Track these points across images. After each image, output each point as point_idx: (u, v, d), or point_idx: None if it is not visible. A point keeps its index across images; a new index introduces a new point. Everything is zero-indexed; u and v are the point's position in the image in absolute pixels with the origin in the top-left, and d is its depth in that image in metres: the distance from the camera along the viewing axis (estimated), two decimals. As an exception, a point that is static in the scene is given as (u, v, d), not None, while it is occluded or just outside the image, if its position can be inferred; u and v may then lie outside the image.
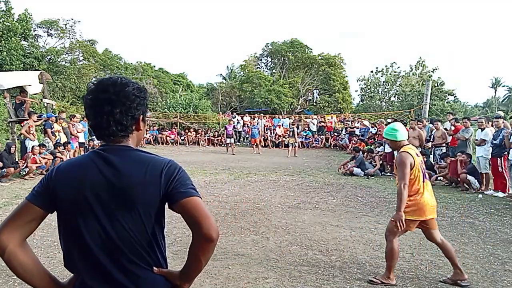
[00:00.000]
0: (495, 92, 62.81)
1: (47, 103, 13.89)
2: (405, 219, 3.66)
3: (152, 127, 22.56)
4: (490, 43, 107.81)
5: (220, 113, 27.96)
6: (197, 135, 23.05)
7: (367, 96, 35.67)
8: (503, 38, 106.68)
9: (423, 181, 3.80)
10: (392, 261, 3.82)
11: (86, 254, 1.36)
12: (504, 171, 8.72)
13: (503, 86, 61.13)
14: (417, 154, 3.86)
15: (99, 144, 1.48)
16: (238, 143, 22.56)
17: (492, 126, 9.40)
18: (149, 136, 21.48)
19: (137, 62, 36.24)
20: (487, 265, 4.38)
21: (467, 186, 9.05)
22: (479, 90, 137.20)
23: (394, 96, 35.01)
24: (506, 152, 8.55)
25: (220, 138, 22.92)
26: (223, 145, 21.91)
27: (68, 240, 1.41)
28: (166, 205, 1.42)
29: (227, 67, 41.83)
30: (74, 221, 1.36)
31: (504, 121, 9.36)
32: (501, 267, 4.31)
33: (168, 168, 1.39)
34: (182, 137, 22.65)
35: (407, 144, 3.92)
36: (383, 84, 34.89)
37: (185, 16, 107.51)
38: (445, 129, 11.26)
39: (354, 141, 17.61)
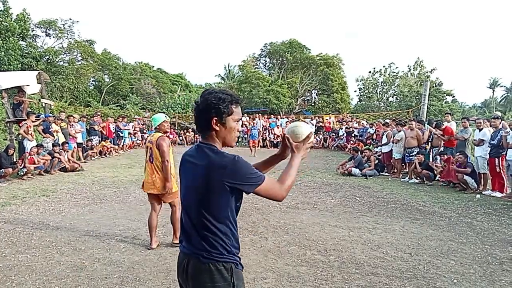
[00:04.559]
0: (493, 92, 63.04)
1: (45, 103, 13.88)
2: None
3: (150, 128, 22.53)
4: (488, 44, 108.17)
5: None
6: (196, 135, 23.03)
7: (365, 96, 35.70)
8: (501, 38, 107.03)
9: (146, 162, 4.81)
10: (151, 230, 4.78)
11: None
12: (501, 171, 8.75)
13: (501, 86, 61.42)
14: (150, 141, 4.80)
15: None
16: (236, 143, 22.50)
17: (490, 126, 9.43)
18: (148, 136, 21.46)
19: (135, 62, 36.32)
20: (485, 265, 4.38)
21: (465, 186, 9.06)
22: (477, 90, 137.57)
23: (392, 97, 35.06)
24: (504, 152, 8.57)
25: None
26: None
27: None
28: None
29: (225, 67, 41.81)
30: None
31: (503, 121, 9.39)
32: (499, 267, 4.32)
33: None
34: (181, 137, 22.64)
35: (158, 132, 4.84)
36: (381, 85, 34.92)
37: (184, 17, 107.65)
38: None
39: (353, 141, 17.62)
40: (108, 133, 16.19)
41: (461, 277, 4.01)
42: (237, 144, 22.35)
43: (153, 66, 38.13)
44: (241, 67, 37.30)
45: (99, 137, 15.30)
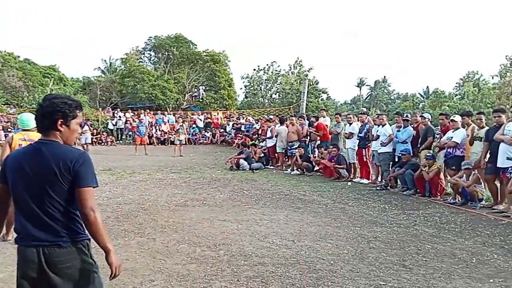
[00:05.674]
0: (360, 90, 71.56)
1: None
2: None
3: (16, 126, 19.87)
4: (355, 46, 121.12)
5: (100, 109, 25.92)
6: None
7: (250, 93, 37.08)
8: (365, 42, 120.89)
9: None
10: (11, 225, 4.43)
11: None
12: (368, 160, 9.94)
13: (367, 85, 70.21)
14: (24, 139, 4.73)
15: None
16: (120, 141, 21.34)
17: (358, 120, 10.62)
18: (15, 134, 18.89)
19: (-4, 52, 31.56)
20: (356, 244, 4.92)
21: (338, 175, 10.06)
22: (347, 88, 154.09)
23: (275, 94, 37.12)
24: (369, 144, 9.75)
25: (99, 136, 21.30)
26: (103, 144, 20.58)
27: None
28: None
29: (105, 60, 38.93)
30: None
31: (368, 116, 10.66)
32: (366, 245, 4.89)
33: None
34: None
35: (28, 131, 4.92)
36: (265, 82, 36.68)
37: (57, 2, 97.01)
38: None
39: (240, 136, 18.12)
40: (-40, 132, 13.80)
41: (337, 258, 4.42)
42: (121, 141, 21.23)
43: (18, 56, 33.63)
44: (123, 60, 35.18)
45: None
